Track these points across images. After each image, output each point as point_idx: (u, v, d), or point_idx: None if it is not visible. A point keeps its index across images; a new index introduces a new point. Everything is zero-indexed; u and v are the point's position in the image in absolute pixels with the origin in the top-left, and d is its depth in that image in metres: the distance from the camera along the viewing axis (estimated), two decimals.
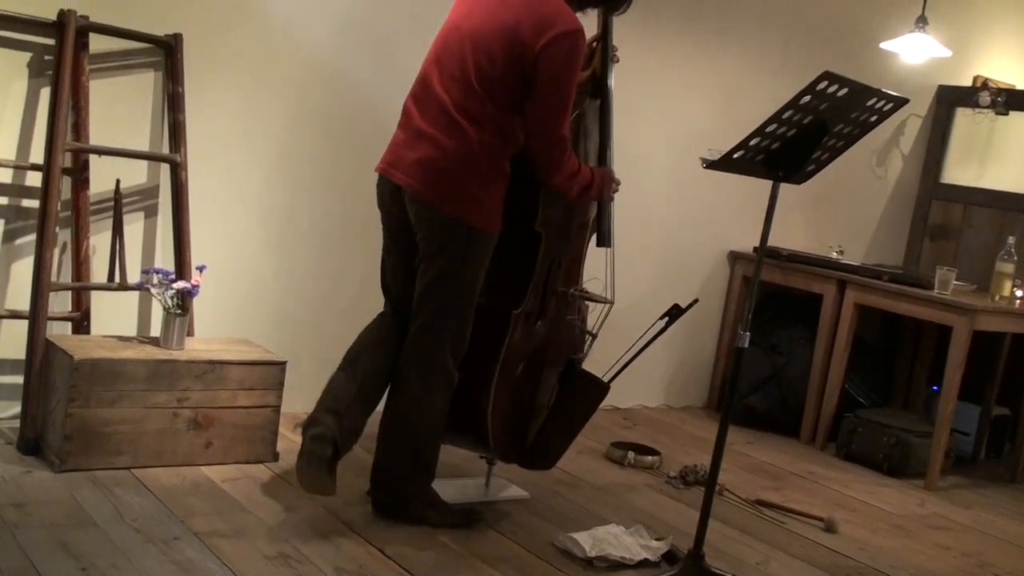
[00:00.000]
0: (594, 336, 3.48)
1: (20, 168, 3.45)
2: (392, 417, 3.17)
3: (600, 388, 3.42)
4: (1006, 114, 5.54)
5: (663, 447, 4.35)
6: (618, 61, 3.39)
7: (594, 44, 3.35)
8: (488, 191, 3.07)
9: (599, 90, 3.34)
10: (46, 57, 3.44)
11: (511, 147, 3.09)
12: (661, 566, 3.12)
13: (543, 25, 2.96)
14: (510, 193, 3.14)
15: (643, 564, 3.11)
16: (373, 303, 3.39)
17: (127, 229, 3.59)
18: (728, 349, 5.26)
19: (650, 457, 4.17)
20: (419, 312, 3.14)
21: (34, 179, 3.45)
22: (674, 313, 3.30)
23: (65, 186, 3.46)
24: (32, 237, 3.43)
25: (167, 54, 3.62)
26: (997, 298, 4.78)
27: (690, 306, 3.30)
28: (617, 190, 3.35)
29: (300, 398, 4.01)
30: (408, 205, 3.10)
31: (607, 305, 3.39)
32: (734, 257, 5.31)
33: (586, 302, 3.52)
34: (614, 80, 3.35)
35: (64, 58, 3.36)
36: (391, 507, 3.18)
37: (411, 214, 3.11)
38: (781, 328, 5.11)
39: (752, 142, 2.85)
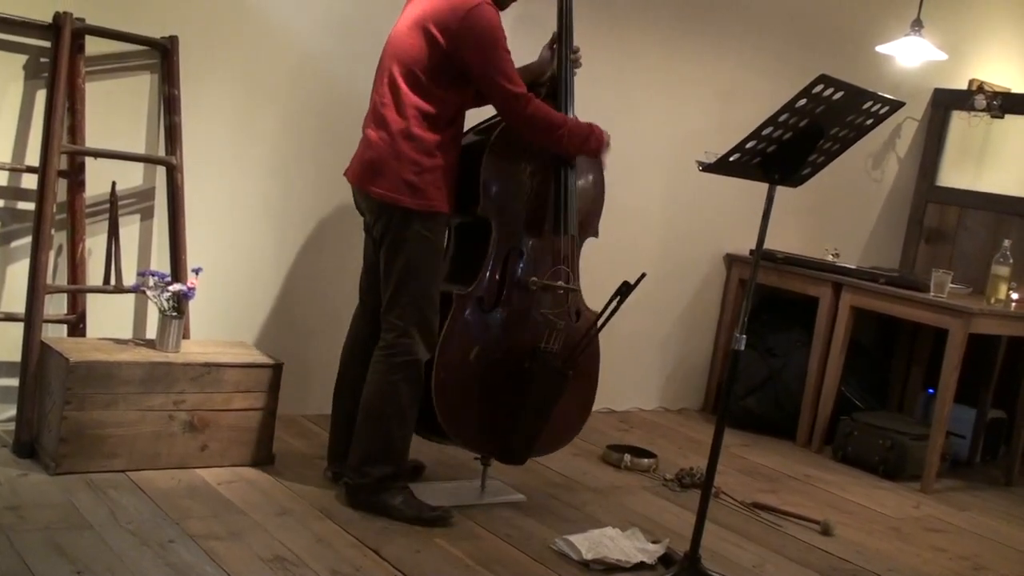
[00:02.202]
0: (560, 329, 3.45)
1: (16, 170, 3.44)
2: (363, 403, 3.25)
3: (559, 376, 3.40)
4: (1001, 117, 5.54)
5: (659, 450, 4.35)
6: (579, 64, 3.46)
7: (554, 46, 3.44)
8: (421, 173, 3.14)
9: (555, 90, 3.40)
10: (42, 59, 3.44)
11: (440, 124, 3.15)
12: (657, 569, 3.13)
13: (451, 8, 3.08)
14: (464, 179, 3.23)
15: (639, 567, 3.11)
16: None
17: (123, 231, 3.59)
18: (724, 352, 5.25)
19: (646, 460, 4.16)
20: (383, 298, 3.24)
21: (30, 181, 3.45)
22: (624, 290, 3.31)
23: (61, 188, 3.45)
24: (28, 239, 3.43)
25: (163, 56, 3.62)
26: (993, 301, 4.78)
27: (638, 281, 3.29)
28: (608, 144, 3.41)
29: (296, 401, 4.01)
30: (360, 201, 3.27)
31: (574, 292, 3.45)
32: (730, 260, 5.31)
33: (585, 306, 3.52)
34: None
35: (60, 60, 3.35)
36: (360, 491, 3.22)
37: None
38: (777, 331, 5.11)
39: (748, 145, 2.85)
